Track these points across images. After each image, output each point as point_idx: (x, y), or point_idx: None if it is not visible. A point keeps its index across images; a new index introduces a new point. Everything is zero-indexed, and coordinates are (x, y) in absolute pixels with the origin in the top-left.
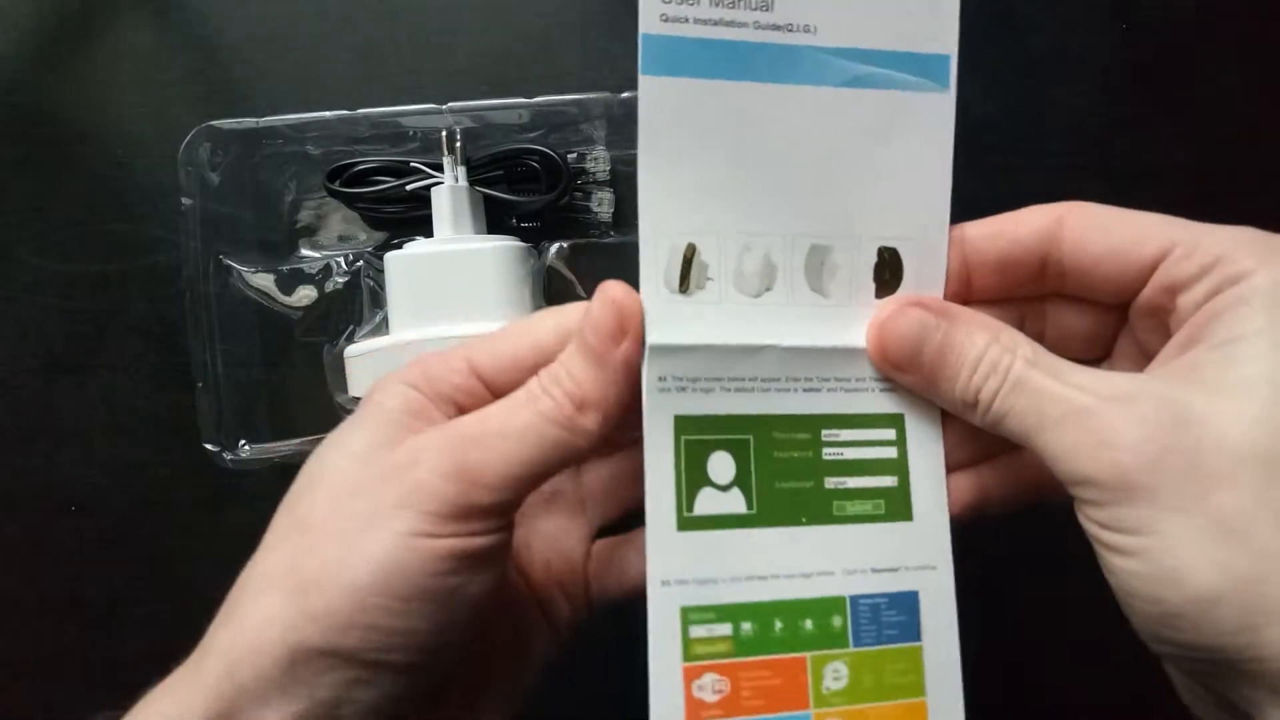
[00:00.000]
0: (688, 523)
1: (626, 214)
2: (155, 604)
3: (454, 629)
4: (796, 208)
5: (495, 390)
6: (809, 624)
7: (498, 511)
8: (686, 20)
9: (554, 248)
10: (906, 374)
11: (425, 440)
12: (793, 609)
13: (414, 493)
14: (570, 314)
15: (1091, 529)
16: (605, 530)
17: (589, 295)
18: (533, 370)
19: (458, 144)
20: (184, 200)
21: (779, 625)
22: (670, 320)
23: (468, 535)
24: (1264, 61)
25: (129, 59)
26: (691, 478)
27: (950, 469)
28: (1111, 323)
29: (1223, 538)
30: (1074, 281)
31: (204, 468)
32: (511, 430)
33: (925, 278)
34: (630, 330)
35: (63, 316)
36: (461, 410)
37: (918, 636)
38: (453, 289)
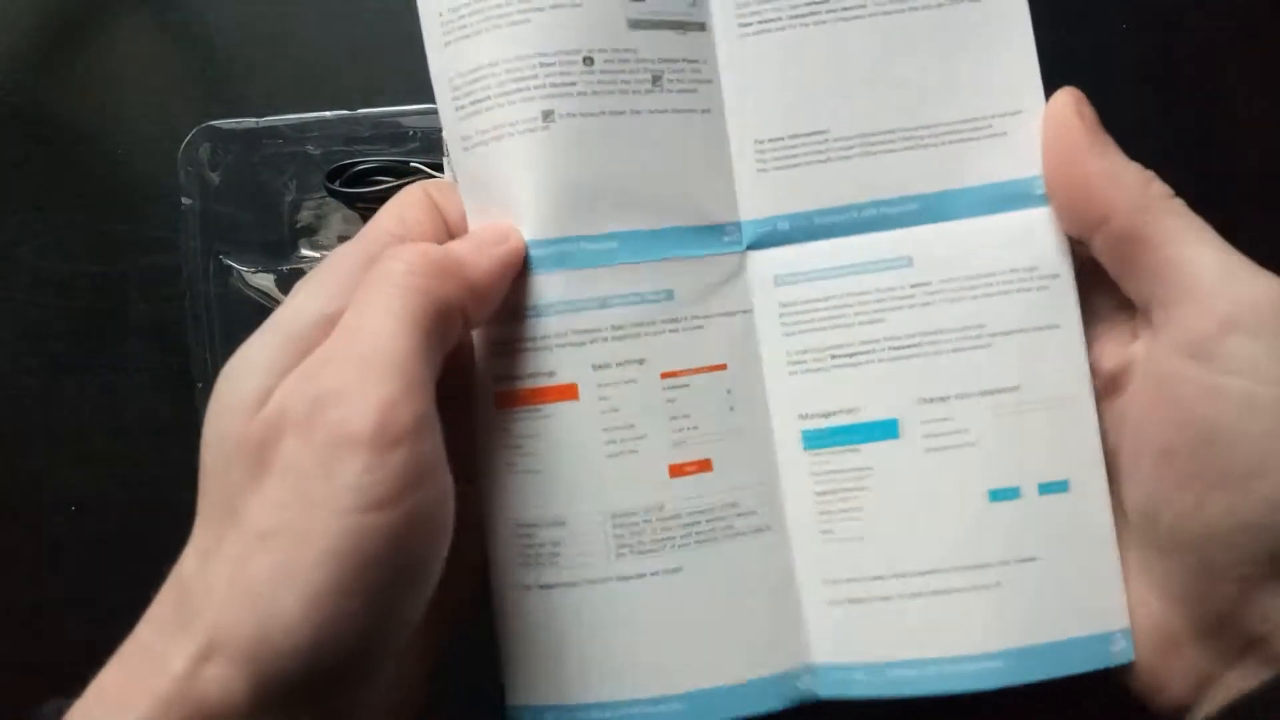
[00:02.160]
0: None
1: None
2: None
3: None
4: None
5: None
6: None
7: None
8: None
9: None
10: (1097, 132)
11: None
12: None
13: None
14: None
15: (1177, 363)
16: None
17: None
18: None
19: None
20: (184, 200)
21: None
22: None
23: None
24: (1264, 61)
25: (129, 59)
26: None
27: None
28: None
29: None
30: None
31: None
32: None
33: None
34: (511, 237)
35: (63, 316)
36: None
37: None
38: None
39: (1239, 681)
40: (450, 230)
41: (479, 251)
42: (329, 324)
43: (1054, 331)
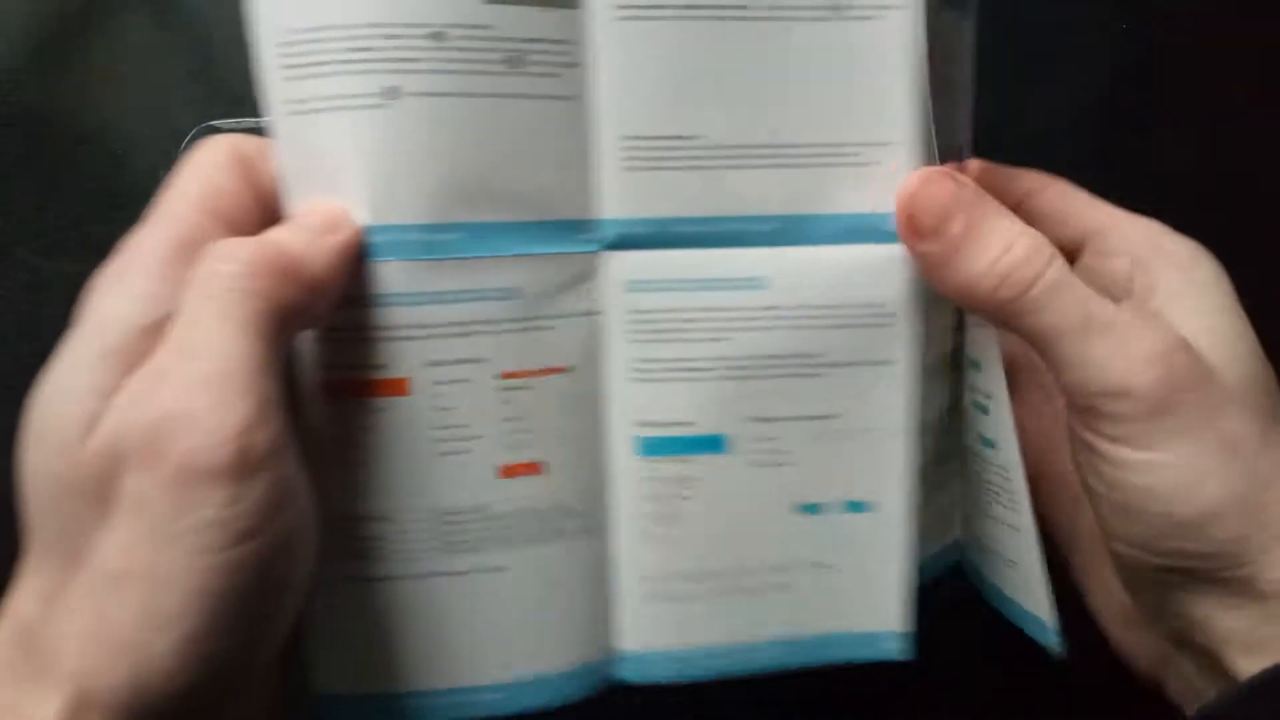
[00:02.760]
0: None
1: None
2: None
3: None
4: None
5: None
6: None
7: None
8: None
9: None
10: (928, 242)
11: None
12: None
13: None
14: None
15: (1101, 444)
16: None
17: None
18: None
19: None
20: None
21: None
22: None
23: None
24: (1264, 62)
25: (129, 59)
26: None
27: None
28: None
29: (1227, 459)
30: None
31: None
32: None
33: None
34: (346, 226)
35: (63, 316)
36: None
37: None
38: None
39: (1186, 664)
40: (261, 199)
41: (315, 244)
42: (151, 334)
43: (885, 367)
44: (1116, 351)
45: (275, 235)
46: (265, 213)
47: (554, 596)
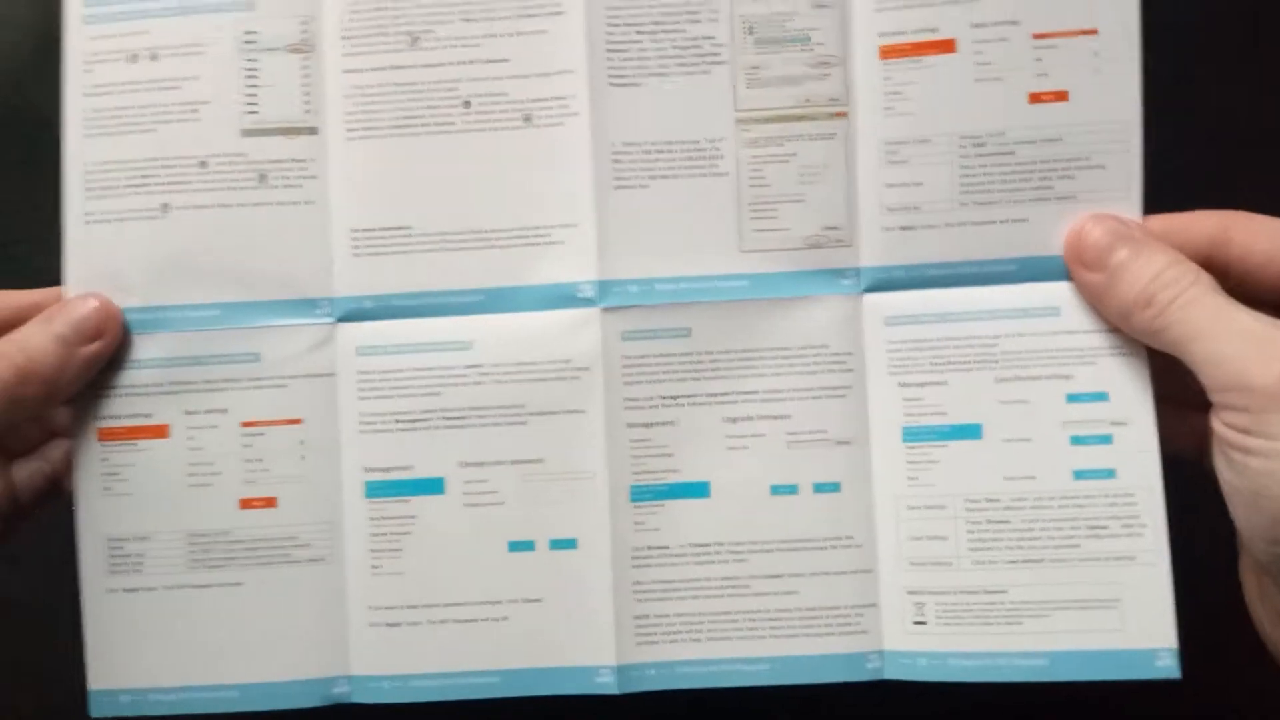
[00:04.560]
0: None
1: None
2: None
3: None
4: None
5: None
6: None
7: None
8: None
9: None
10: (1092, 272)
11: None
12: None
13: None
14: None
15: (1231, 434)
16: None
17: None
18: None
19: None
20: None
21: None
22: None
23: None
24: (1265, 63)
25: None
26: None
27: None
28: (1268, 314)
29: None
30: (1238, 279)
31: None
32: None
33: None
34: (106, 334)
35: None
36: None
37: None
38: None
39: None
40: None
41: (70, 355)
42: None
43: (580, 416)
44: (1240, 352)
45: (36, 337)
46: None
47: (285, 613)
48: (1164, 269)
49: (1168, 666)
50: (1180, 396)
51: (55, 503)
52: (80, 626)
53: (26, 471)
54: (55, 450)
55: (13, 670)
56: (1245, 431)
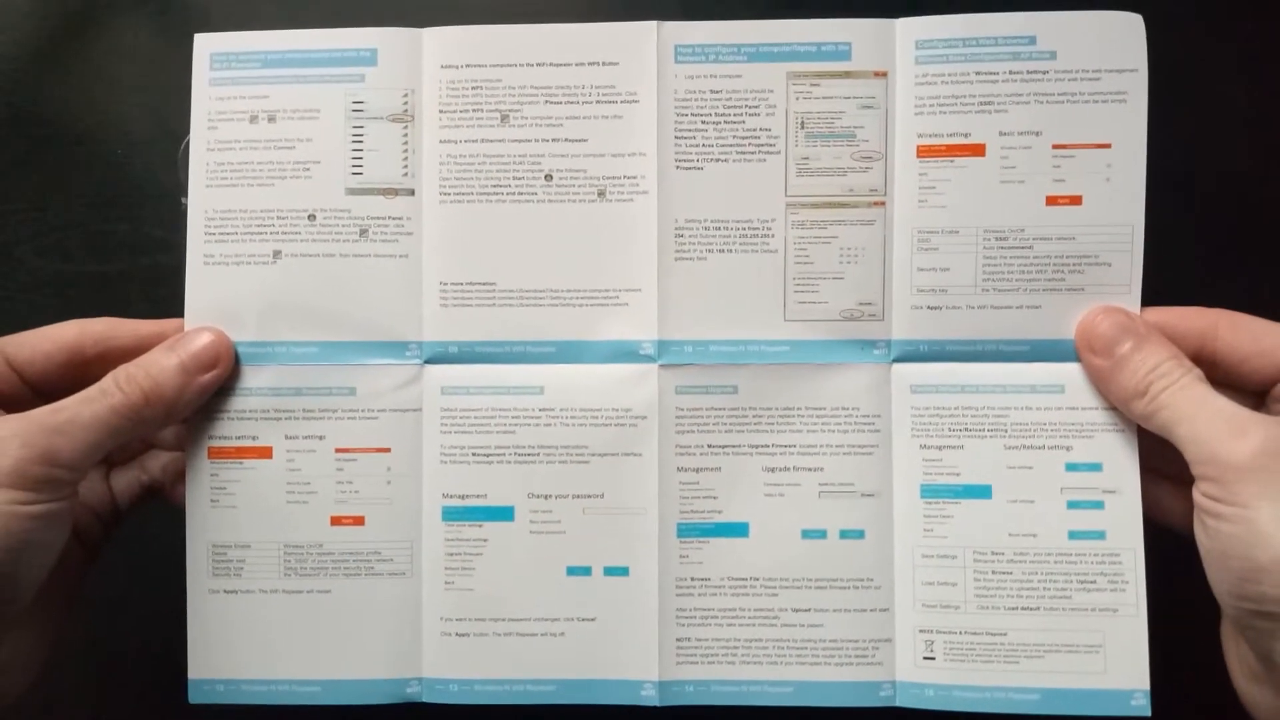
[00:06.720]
0: None
1: None
2: (156, 604)
3: (37, 568)
4: None
5: (25, 377)
6: None
7: (73, 481)
8: None
9: None
10: (1099, 358)
11: (9, 429)
12: None
13: (8, 474)
14: (93, 326)
15: (1206, 502)
16: None
17: None
18: (62, 364)
19: None
20: (184, 200)
21: None
22: None
23: (51, 501)
24: (1264, 62)
25: (129, 59)
26: None
27: None
28: (1247, 402)
29: None
30: (1222, 371)
31: None
32: (86, 422)
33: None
34: (220, 364)
35: (62, 316)
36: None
37: None
38: None
39: None
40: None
41: (189, 381)
42: None
43: (636, 459)
44: (1215, 433)
45: (164, 362)
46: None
47: (368, 619)
48: (1161, 362)
49: (1140, 706)
50: (1180, 475)
51: (148, 509)
52: (182, 623)
53: (124, 480)
54: (152, 461)
55: (119, 660)
56: (1218, 500)
